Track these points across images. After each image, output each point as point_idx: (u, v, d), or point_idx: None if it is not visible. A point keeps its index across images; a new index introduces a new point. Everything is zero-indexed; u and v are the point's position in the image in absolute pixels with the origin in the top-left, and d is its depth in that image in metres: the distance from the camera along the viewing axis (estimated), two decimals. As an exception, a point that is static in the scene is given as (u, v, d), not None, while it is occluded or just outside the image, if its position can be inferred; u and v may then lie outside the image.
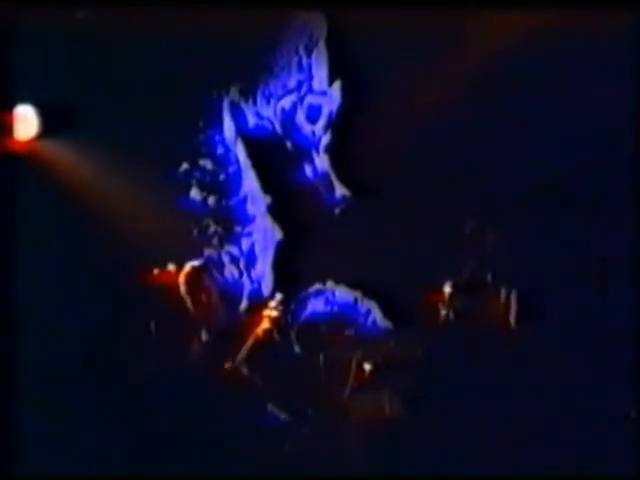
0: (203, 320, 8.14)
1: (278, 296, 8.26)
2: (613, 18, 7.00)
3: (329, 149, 8.35)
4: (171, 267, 8.24)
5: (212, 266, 8.19)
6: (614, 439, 7.48)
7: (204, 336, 8.14)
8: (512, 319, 8.28)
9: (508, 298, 8.28)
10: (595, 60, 7.31)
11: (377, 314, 8.35)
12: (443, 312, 8.26)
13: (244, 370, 8.15)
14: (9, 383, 7.37)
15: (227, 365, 8.07)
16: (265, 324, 8.21)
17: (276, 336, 8.20)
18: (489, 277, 8.19)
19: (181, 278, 8.17)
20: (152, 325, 8.11)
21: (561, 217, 8.01)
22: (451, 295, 8.25)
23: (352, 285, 8.35)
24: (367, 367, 8.31)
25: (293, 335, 8.39)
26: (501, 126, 8.03)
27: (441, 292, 8.26)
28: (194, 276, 8.12)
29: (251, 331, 8.22)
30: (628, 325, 7.73)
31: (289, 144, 8.44)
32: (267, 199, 8.33)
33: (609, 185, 7.80)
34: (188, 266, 8.17)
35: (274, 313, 8.22)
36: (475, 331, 8.15)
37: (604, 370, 7.79)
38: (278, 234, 8.36)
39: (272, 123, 8.44)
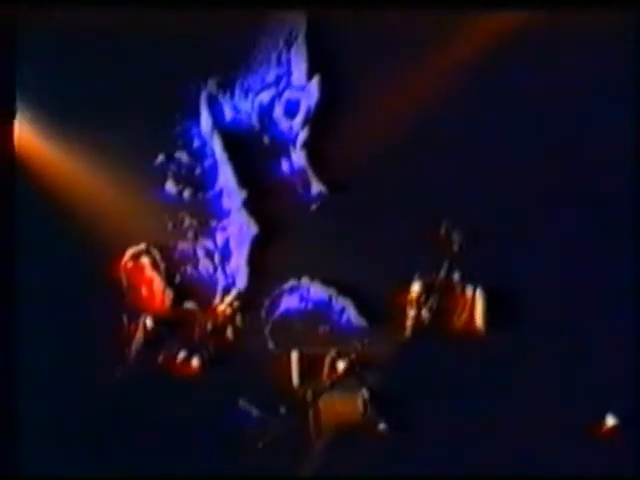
0: (148, 310, 7.99)
1: (234, 291, 8.16)
2: (613, 18, 6.98)
3: (306, 145, 8.26)
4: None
5: (157, 252, 7.97)
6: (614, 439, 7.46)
7: (150, 326, 7.98)
8: (479, 320, 8.17)
9: (474, 297, 8.18)
10: (594, 60, 7.29)
11: (352, 312, 8.26)
12: (412, 312, 8.13)
13: (211, 365, 8.02)
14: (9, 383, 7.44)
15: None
16: (220, 320, 8.05)
17: (231, 333, 8.04)
18: (457, 276, 8.11)
19: (122, 265, 7.98)
20: (125, 320, 7.96)
21: (542, 214, 7.94)
22: (420, 294, 8.11)
23: (327, 282, 8.26)
24: (341, 365, 8.20)
25: (267, 331, 8.28)
26: (484, 126, 7.96)
27: (413, 291, 8.17)
28: (135, 263, 7.92)
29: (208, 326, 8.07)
30: (618, 331, 7.68)
31: (266, 139, 8.34)
32: (243, 193, 8.24)
33: (601, 184, 7.76)
34: (128, 253, 7.99)
35: (229, 310, 8.07)
36: (445, 332, 8.08)
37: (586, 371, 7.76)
38: (253, 229, 8.26)
39: (249, 117, 8.34)
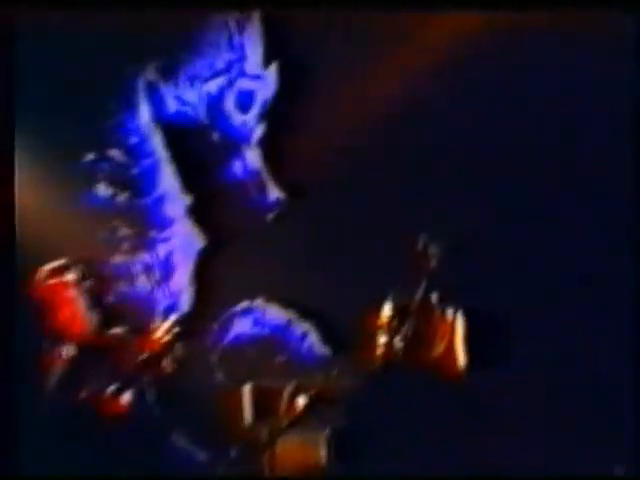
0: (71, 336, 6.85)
1: (175, 314, 7.19)
2: (613, 18, 6.64)
3: (262, 143, 7.36)
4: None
5: (83, 268, 6.97)
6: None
7: (72, 355, 6.84)
8: (460, 349, 7.15)
9: (454, 322, 7.15)
10: (594, 61, 6.86)
11: (314, 339, 7.38)
12: (384, 339, 7.10)
13: (148, 400, 6.98)
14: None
15: None
16: (158, 347, 7.04)
17: (171, 363, 7.02)
18: (436, 298, 7.10)
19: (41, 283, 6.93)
20: (43, 347, 6.88)
21: (533, 228, 7.14)
22: (393, 319, 7.11)
23: (286, 304, 7.40)
24: (301, 401, 7.23)
25: (215, 361, 7.37)
26: (472, 129, 7.19)
27: (384, 315, 7.15)
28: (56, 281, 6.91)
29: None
30: (616, 363, 6.87)
31: (215, 135, 7.41)
32: (188, 199, 7.37)
33: (599, 195, 7.07)
34: (48, 268, 6.88)
35: (169, 335, 7.00)
36: (422, 362, 7.08)
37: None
38: (200, 241, 7.39)
39: (196, 110, 7.40)
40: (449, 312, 7.23)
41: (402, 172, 7.24)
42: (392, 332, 7.23)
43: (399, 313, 7.26)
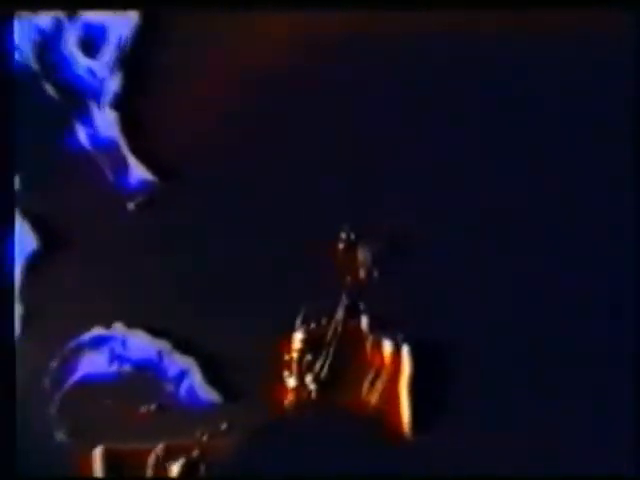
0: None
1: None
2: (613, 18, 6.20)
3: (119, 101, 5.28)
4: None
5: None
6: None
7: None
8: (403, 392, 5.27)
9: (395, 356, 5.31)
10: (593, 61, 6.29)
11: (196, 378, 5.38)
12: (292, 380, 5.32)
13: None
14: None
15: None
16: None
17: None
18: (366, 322, 5.36)
19: None
20: None
21: (506, 231, 5.55)
22: (304, 350, 5.33)
23: (155, 330, 5.37)
24: (175, 467, 5.34)
25: (54, 411, 5.28)
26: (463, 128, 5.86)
27: (294, 346, 5.39)
28: None
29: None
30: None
31: (50, 88, 5.25)
32: (16, 182, 5.24)
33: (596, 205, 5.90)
34: None
35: None
36: (346, 410, 5.34)
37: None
38: (30, 242, 5.31)
39: (22, 52, 5.25)
40: (387, 343, 5.41)
41: (318, 152, 5.50)
42: (304, 369, 5.38)
43: (314, 343, 5.45)
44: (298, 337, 5.36)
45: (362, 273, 5.31)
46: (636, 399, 5.61)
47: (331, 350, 5.34)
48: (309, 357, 5.36)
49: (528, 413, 5.46)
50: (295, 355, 5.37)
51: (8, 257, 5.01)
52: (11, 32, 5.20)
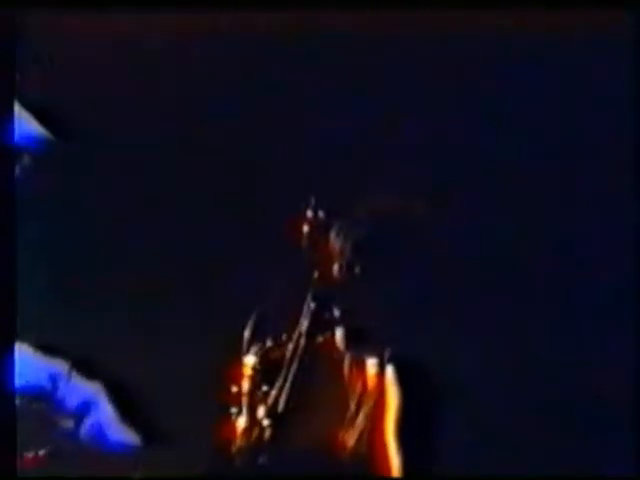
0: None
1: None
2: (613, 18, 6.32)
3: None
4: None
5: None
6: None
7: None
8: (390, 426, 4.04)
9: (378, 379, 4.11)
10: (593, 61, 6.35)
11: (106, 411, 4.07)
12: (243, 416, 4.06)
13: None
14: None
15: None
16: None
17: None
18: (340, 334, 4.18)
19: None
20: None
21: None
22: (254, 375, 4.11)
23: (48, 348, 4.17)
24: None
25: None
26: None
27: (245, 371, 4.17)
28: None
29: None
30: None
31: None
32: None
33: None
34: None
35: None
36: (312, 458, 4.07)
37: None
38: None
39: None
40: (371, 364, 4.11)
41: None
42: (255, 401, 4.03)
43: (269, 366, 4.15)
44: (248, 358, 4.00)
45: (336, 267, 4.02)
46: (636, 399, 5.21)
47: (291, 374, 3.99)
48: (262, 384, 3.99)
49: (528, 416, 4.85)
50: (244, 382, 4.02)
51: None
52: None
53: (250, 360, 4.03)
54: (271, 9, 5.72)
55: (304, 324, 4.00)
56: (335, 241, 4.16)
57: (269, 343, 4.06)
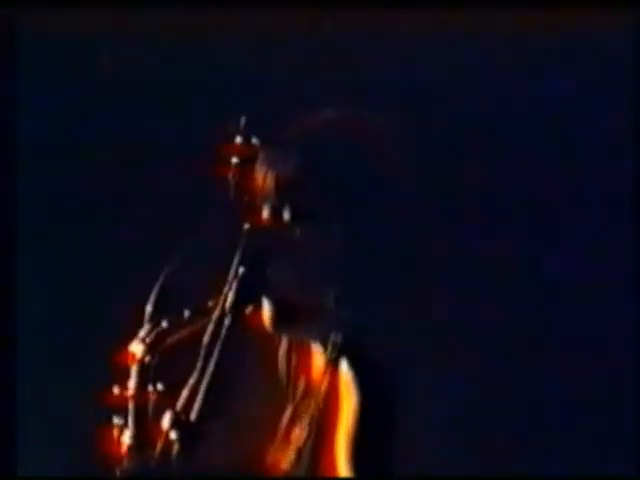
0: None
1: None
2: (613, 18, 6.04)
3: None
4: None
5: None
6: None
7: None
8: (342, 449, 3.08)
9: (333, 376, 3.12)
10: (593, 61, 6.10)
11: None
12: (127, 429, 3.04)
13: None
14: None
15: None
16: None
17: None
18: (269, 309, 3.17)
19: None
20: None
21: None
22: (142, 370, 3.06)
23: None
24: None
25: None
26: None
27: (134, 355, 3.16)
28: None
29: None
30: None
31: None
32: None
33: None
34: None
35: None
36: None
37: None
38: None
39: None
40: (316, 351, 3.26)
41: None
42: (153, 404, 3.10)
43: (172, 351, 3.27)
44: (135, 346, 2.93)
45: (266, 212, 2.96)
46: (636, 399, 5.16)
47: (210, 365, 2.93)
48: (155, 381, 2.91)
49: (527, 415, 4.74)
50: (137, 380, 2.98)
51: None
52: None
53: (137, 348, 2.87)
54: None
55: (229, 294, 2.84)
56: (265, 170, 3.08)
57: (164, 323, 2.91)
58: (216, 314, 3.03)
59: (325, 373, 3.26)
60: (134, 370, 3.13)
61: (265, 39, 5.74)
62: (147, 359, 3.09)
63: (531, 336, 5.48)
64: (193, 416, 3.00)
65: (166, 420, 3.02)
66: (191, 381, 2.97)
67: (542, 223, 5.97)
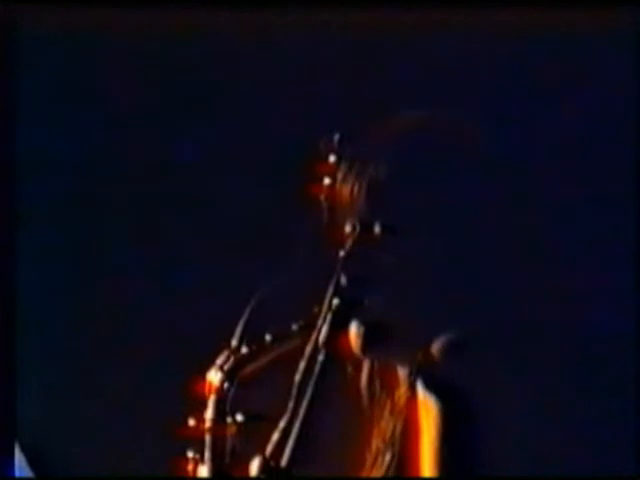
0: None
1: None
2: (613, 18, 5.21)
3: None
4: None
5: None
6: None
7: None
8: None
9: (413, 405, 2.90)
10: (593, 61, 5.13)
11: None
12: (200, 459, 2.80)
13: None
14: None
15: None
16: None
17: None
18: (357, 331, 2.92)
19: None
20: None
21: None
22: (219, 400, 2.83)
23: None
24: None
25: None
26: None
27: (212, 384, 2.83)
28: None
29: None
30: None
31: None
32: None
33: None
34: None
35: None
36: None
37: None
38: None
39: None
40: (402, 374, 3.12)
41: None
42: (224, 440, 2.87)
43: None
44: (212, 373, 2.73)
45: (356, 227, 2.73)
46: (636, 399, 4.26)
47: (305, 398, 2.73)
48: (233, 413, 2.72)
49: (528, 414, 3.79)
50: (214, 410, 2.76)
51: None
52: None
53: (215, 376, 2.66)
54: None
55: (325, 327, 2.62)
56: (357, 190, 2.81)
57: (244, 349, 2.68)
58: (309, 350, 2.79)
59: (405, 397, 3.12)
60: (211, 400, 2.89)
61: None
62: (225, 387, 2.85)
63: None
64: (284, 462, 2.81)
65: (255, 466, 2.83)
66: (282, 424, 2.76)
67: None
